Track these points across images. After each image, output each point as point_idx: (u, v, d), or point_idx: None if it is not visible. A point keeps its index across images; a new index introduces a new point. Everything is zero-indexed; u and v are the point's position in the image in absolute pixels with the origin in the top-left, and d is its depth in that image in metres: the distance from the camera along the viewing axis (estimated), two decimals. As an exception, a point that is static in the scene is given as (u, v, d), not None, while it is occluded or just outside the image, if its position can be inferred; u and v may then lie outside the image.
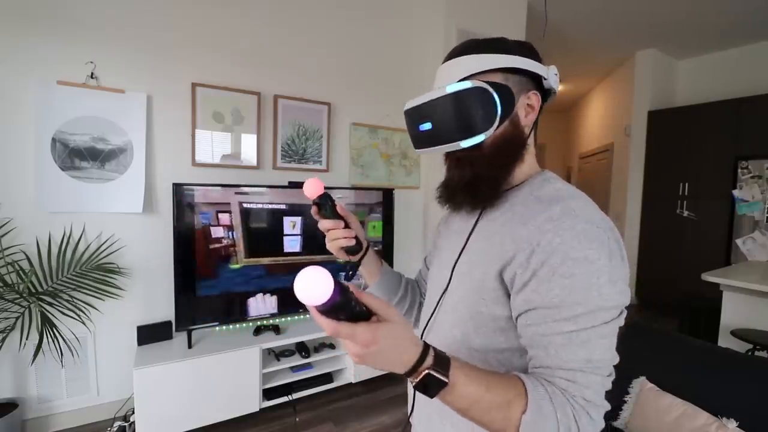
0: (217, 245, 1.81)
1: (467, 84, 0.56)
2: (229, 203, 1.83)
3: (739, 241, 3.51)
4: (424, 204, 2.99)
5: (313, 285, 0.35)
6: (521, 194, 0.60)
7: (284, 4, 2.36)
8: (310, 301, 0.35)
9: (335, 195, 2.33)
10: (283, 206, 2.09)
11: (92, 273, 1.85)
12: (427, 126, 0.60)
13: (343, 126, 2.65)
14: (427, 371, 0.42)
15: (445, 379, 0.43)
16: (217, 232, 1.79)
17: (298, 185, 2.23)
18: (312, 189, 0.63)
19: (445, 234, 0.75)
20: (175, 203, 1.88)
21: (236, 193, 1.92)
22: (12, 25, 1.71)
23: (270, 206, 2.07)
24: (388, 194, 2.55)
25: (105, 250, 1.92)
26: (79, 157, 1.86)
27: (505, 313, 0.56)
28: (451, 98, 0.56)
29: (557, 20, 3.49)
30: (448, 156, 0.65)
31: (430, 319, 0.69)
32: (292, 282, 0.35)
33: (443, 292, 0.66)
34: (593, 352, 0.48)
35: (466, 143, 0.58)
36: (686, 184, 3.89)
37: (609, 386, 0.50)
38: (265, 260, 1.96)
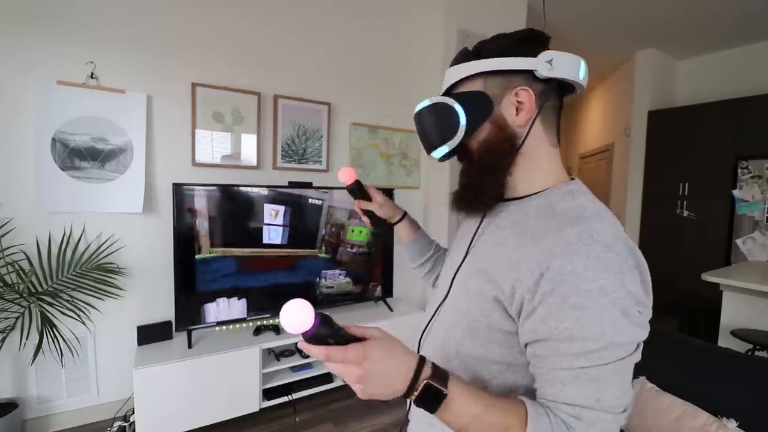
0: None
1: (426, 102, 0.62)
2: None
3: (739, 241, 3.51)
4: (425, 204, 2.99)
5: (295, 315, 0.39)
6: (537, 204, 0.56)
7: (282, 4, 2.36)
8: (294, 329, 0.39)
9: (336, 195, 2.34)
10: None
11: (92, 273, 1.85)
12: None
13: (343, 126, 2.65)
14: (426, 381, 0.44)
15: (444, 390, 0.44)
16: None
17: (299, 185, 2.23)
18: (345, 177, 0.80)
19: (459, 236, 0.73)
20: (175, 203, 1.88)
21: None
22: (12, 25, 1.71)
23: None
24: (388, 194, 2.53)
25: (105, 250, 1.92)
26: (79, 157, 1.86)
27: (502, 327, 0.54)
28: (423, 113, 0.63)
29: (557, 20, 3.49)
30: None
31: (427, 325, 0.68)
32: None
33: (443, 299, 0.65)
34: (604, 391, 0.45)
35: (435, 153, 0.63)
36: (686, 184, 3.89)
37: (623, 422, 0.47)
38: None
